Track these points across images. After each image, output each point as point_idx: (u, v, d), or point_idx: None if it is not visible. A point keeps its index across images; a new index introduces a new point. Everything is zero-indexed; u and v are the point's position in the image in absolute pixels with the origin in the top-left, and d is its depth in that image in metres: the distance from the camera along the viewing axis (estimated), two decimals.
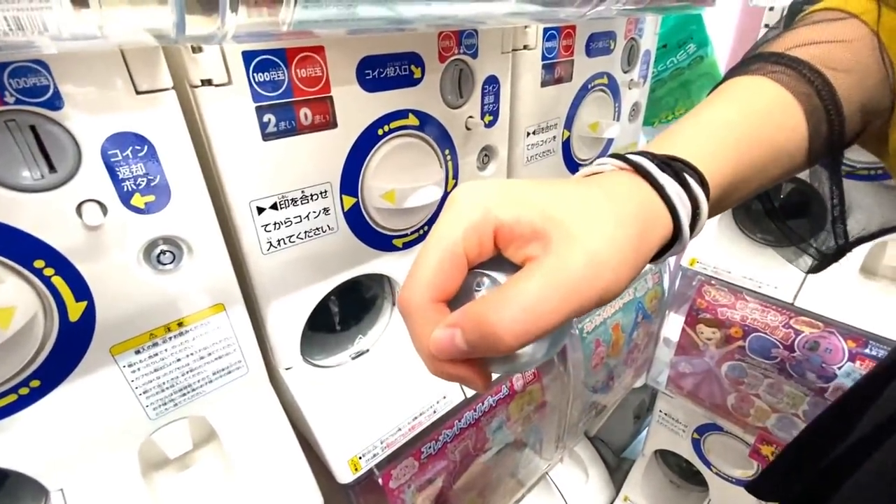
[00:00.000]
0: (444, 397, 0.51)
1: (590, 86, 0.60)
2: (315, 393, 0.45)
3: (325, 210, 0.41)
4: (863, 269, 0.65)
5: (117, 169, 0.29)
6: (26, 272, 0.28)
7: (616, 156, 0.23)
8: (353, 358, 0.51)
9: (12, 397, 0.31)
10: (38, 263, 0.28)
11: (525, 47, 0.51)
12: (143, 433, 0.37)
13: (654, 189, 0.21)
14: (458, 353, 0.19)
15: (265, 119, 0.35)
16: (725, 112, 0.25)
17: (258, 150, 0.35)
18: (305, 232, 0.40)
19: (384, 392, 0.49)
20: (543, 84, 0.54)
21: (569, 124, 0.60)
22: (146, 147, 0.30)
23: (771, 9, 0.62)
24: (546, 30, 0.51)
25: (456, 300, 0.21)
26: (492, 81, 0.49)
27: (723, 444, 0.89)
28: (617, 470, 1.15)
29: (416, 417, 0.48)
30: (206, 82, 0.32)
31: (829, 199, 0.32)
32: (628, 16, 0.60)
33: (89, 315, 0.31)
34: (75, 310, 0.31)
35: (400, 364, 0.51)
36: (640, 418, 1.21)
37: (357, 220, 0.43)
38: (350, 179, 0.41)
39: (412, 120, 0.43)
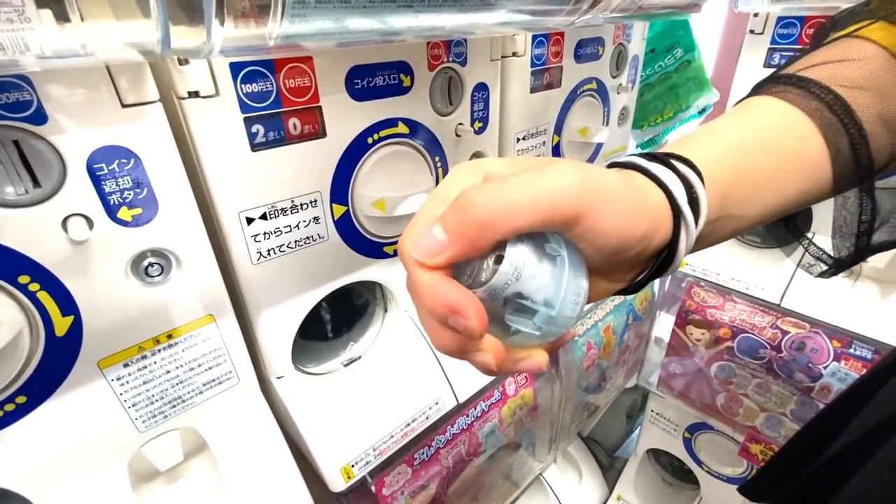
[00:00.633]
0: (437, 403, 0.51)
1: (579, 91, 0.60)
2: (307, 401, 0.45)
3: (316, 219, 0.41)
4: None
5: (103, 182, 0.29)
6: (11, 288, 0.28)
7: (613, 164, 0.24)
8: (345, 365, 0.51)
9: None
10: (23, 279, 0.28)
11: (514, 54, 0.51)
12: (132, 446, 0.37)
13: (641, 173, 0.22)
14: (440, 249, 0.19)
15: (254, 130, 0.35)
16: (726, 122, 0.25)
17: (247, 161, 0.35)
18: (296, 241, 0.40)
19: (376, 399, 0.49)
20: (533, 90, 0.54)
21: (558, 129, 0.61)
22: (133, 160, 0.30)
23: (756, 14, 0.63)
24: (535, 36, 0.52)
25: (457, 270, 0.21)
26: (481, 88, 0.49)
27: (713, 442, 0.90)
28: (610, 469, 1.16)
29: (408, 424, 0.48)
30: (194, 94, 0.31)
31: (858, 215, 0.31)
32: (616, 23, 0.61)
33: (76, 329, 0.31)
34: (62, 325, 0.30)
35: (392, 370, 0.51)
36: (632, 418, 1.22)
37: (348, 229, 0.43)
38: (340, 188, 0.41)
39: (402, 128, 0.43)
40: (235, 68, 0.32)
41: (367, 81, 0.39)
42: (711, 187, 0.23)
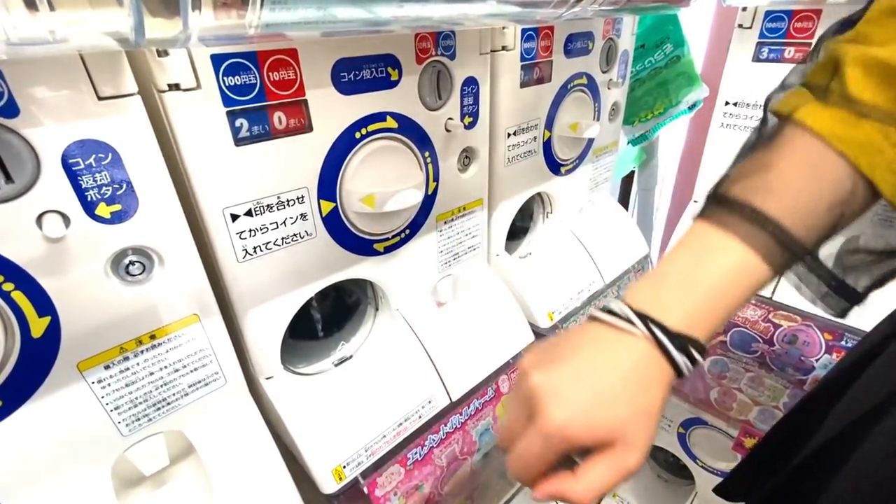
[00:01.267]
0: (430, 402, 0.50)
1: (569, 86, 0.60)
2: (297, 402, 0.44)
3: (303, 215, 0.40)
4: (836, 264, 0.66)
5: (80, 178, 0.28)
6: None
7: (642, 318, 0.27)
8: (336, 365, 0.50)
9: None
10: None
11: (503, 48, 0.51)
12: (116, 450, 0.36)
13: (668, 361, 0.26)
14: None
15: (237, 124, 0.34)
16: (701, 272, 0.27)
17: (231, 156, 0.34)
18: (283, 238, 0.39)
19: (368, 398, 0.48)
20: (523, 85, 0.54)
21: (549, 125, 0.60)
22: (110, 154, 0.29)
23: (744, 9, 0.63)
24: (524, 31, 0.51)
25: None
26: (471, 83, 0.48)
27: (707, 437, 0.90)
28: None
29: (401, 423, 0.47)
30: (174, 87, 0.30)
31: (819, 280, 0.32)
32: (605, 17, 0.61)
33: (54, 330, 0.30)
34: (38, 325, 0.29)
35: (384, 369, 0.50)
36: None
37: (336, 225, 0.42)
38: (328, 184, 0.40)
39: (390, 122, 0.43)
40: (217, 60, 0.31)
41: (353, 74, 0.38)
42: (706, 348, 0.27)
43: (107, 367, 0.33)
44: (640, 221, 1.17)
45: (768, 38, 0.62)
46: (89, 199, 0.29)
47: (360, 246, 0.45)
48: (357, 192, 0.41)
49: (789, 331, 0.65)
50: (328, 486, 0.43)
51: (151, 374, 0.35)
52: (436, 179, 0.50)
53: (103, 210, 0.30)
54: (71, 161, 0.28)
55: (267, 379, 0.44)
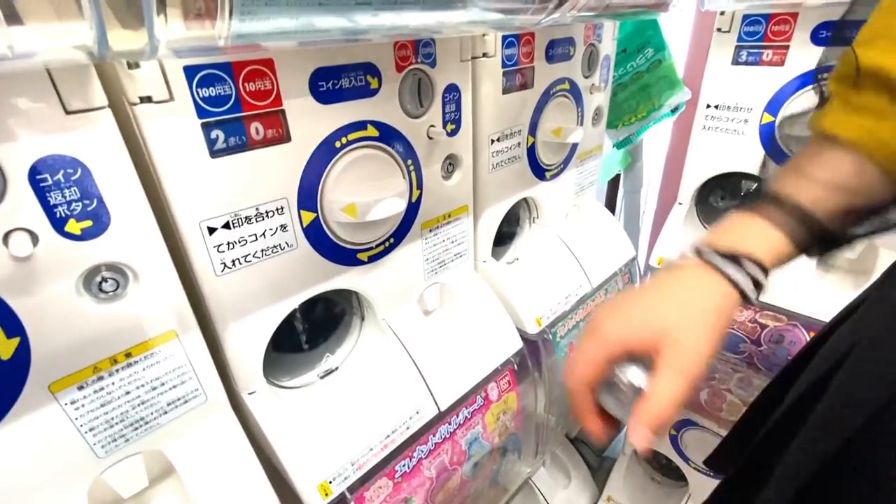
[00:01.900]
0: (417, 412, 0.49)
1: (552, 91, 0.60)
2: (281, 417, 0.43)
3: (283, 227, 0.39)
4: (820, 261, 0.67)
5: (48, 194, 0.27)
6: None
7: (697, 250, 0.32)
8: (322, 377, 0.49)
9: None
10: None
11: (484, 55, 0.51)
12: (92, 473, 0.35)
13: (723, 277, 0.31)
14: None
15: (213, 135, 0.33)
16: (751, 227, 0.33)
17: (206, 168, 0.34)
18: (262, 250, 0.39)
19: (354, 411, 0.47)
20: (505, 91, 0.54)
21: (532, 130, 0.60)
22: (80, 170, 0.28)
23: (722, 13, 0.63)
24: (505, 37, 0.51)
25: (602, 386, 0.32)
26: (452, 90, 0.48)
27: (699, 438, 0.90)
28: (599, 470, 1.16)
29: (388, 436, 0.47)
30: (146, 99, 0.30)
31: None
32: (584, 22, 0.61)
33: (23, 352, 0.29)
34: (6, 347, 0.28)
35: (371, 381, 0.50)
36: None
37: (318, 236, 0.42)
38: (308, 194, 0.40)
39: (371, 131, 0.42)
40: (190, 72, 0.31)
41: (332, 83, 0.38)
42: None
43: (80, 388, 0.32)
44: (628, 224, 1.17)
45: (746, 42, 0.63)
46: (58, 215, 0.28)
47: (343, 256, 0.45)
48: (338, 202, 0.41)
49: (776, 331, 0.65)
50: (314, 502, 0.42)
51: (128, 392, 0.34)
52: (419, 187, 0.49)
53: (73, 226, 0.29)
54: (39, 177, 0.27)
55: (249, 394, 0.43)
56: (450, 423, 0.52)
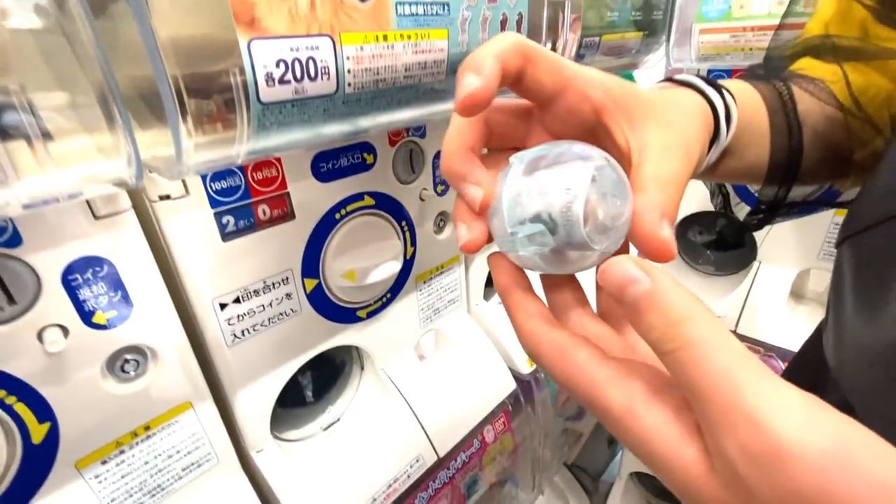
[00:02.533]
0: (417, 460, 0.52)
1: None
2: (287, 472, 0.46)
3: (288, 295, 0.42)
4: (792, 293, 0.71)
5: (78, 291, 0.30)
6: None
7: (669, 80, 0.29)
8: (325, 429, 0.51)
9: None
10: (0, 393, 0.29)
11: None
12: None
13: (700, 95, 0.27)
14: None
15: (224, 221, 0.36)
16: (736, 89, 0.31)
17: (219, 251, 0.37)
18: (269, 319, 0.41)
19: (357, 461, 0.49)
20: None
21: None
22: (106, 267, 0.31)
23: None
24: None
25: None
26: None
27: None
28: (596, 494, 1.17)
29: (390, 485, 0.49)
30: (165, 197, 0.33)
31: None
32: None
33: (53, 435, 0.31)
34: (38, 432, 0.31)
35: (372, 431, 0.52)
36: (613, 442, 1.24)
37: (320, 300, 0.45)
38: (311, 263, 0.43)
39: (368, 201, 0.46)
40: None
41: (332, 164, 0.41)
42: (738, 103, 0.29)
43: (103, 463, 0.35)
44: None
45: None
46: (87, 309, 0.31)
47: (344, 315, 0.48)
48: (339, 269, 0.44)
49: None
50: None
51: (146, 462, 0.37)
52: (413, 244, 0.53)
53: (100, 318, 0.31)
54: (70, 277, 0.30)
55: (258, 452, 0.45)
56: (448, 469, 0.54)
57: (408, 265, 0.53)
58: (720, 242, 0.78)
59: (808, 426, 0.13)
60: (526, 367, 0.66)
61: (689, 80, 0.28)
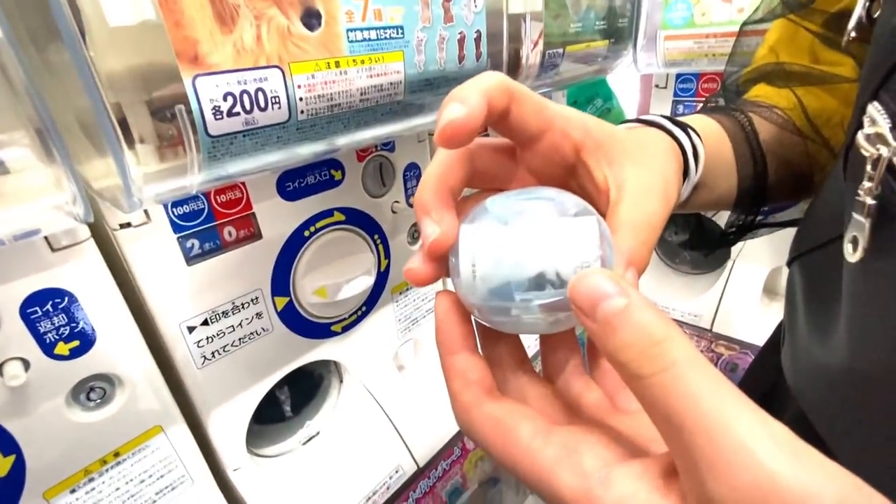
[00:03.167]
0: (397, 471, 0.52)
1: None
2: (265, 488, 0.46)
3: (258, 314, 0.42)
4: (765, 290, 0.72)
5: (38, 324, 0.30)
6: None
7: (636, 120, 0.30)
8: (304, 444, 0.52)
9: None
10: None
11: None
12: None
13: (668, 135, 0.27)
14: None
15: (188, 245, 0.36)
16: (700, 123, 0.33)
17: (184, 275, 0.37)
18: (240, 339, 0.41)
19: (336, 475, 0.50)
20: None
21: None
22: (66, 298, 0.31)
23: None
24: None
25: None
26: (412, 167, 0.52)
27: None
28: None
29: (369, 498, 0.49)
30: (126, 225, 0.33)
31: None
32: (537, 91, 0.66)
33: (19, 467, 0.31)
34: (3, 465, 0.31)
35: (351, 443, 0.52)
36: None
37: (292, 317, 0.45)
38: (281, 282, 0.43)
39: (338, 216, 0.46)
40: None
41: (298, 183, 0.42)
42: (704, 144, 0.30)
43: (72, 491, 0.34)
44: None
45: (682, 97, 0.69)
46: (48, 341, 0.31)
47: (317, 331, 0.48)
48: (310, 286, 0.44)
49: (729, 359, 0.70)
50: None
51: (117, 489, 0.37)
52: (387, 257, 0.53)
53: (62, 349, 0.31)
54: (28, 311, 0.30)
55: (234, 471, 0.45)
56: (429, 478, 0.55)
57: (382, 278, 0.53)
58: (695, 241, 0.79)
59: (814, 471, 0.12)
60: None
61: (657, 121, 0.29)
